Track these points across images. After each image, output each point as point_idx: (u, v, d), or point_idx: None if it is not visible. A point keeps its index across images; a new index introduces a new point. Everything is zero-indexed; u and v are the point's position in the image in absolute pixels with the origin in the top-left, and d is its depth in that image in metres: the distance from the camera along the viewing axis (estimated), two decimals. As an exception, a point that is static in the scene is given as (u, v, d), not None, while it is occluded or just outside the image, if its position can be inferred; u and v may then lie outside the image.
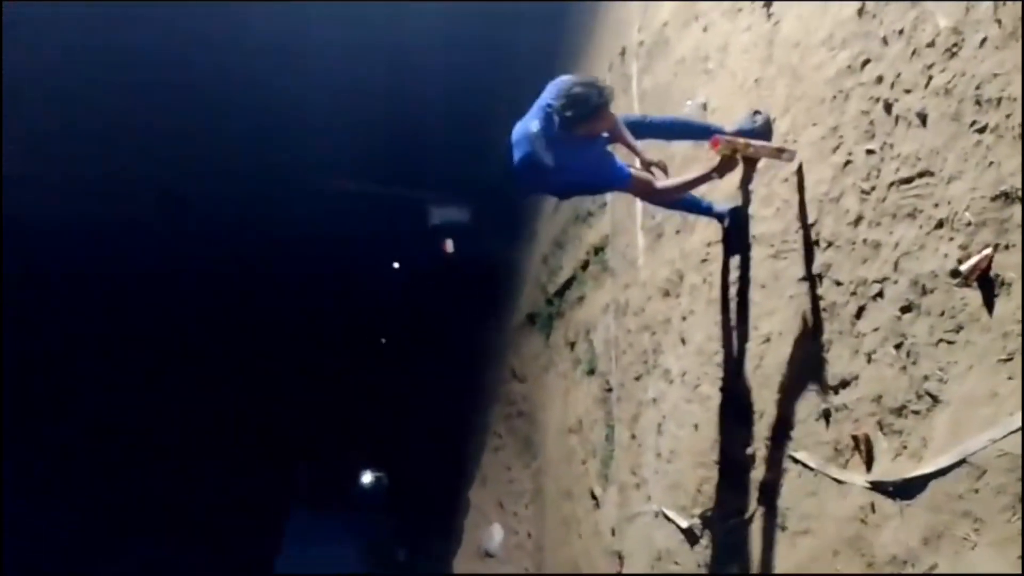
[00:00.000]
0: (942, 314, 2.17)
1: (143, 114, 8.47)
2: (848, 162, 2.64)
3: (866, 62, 2.58)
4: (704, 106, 3.93)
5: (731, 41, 3.66)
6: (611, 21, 5.83)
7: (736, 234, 3.43)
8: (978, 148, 2.05)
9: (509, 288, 9.00)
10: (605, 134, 3.14)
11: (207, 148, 9.07)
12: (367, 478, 14.16)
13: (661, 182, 3.12)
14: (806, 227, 2.87)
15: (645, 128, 3.54)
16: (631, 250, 4.91)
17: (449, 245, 10.79)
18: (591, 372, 5.71)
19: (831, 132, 2.75)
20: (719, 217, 3.52)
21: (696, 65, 4.08)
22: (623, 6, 5.53)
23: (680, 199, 3.43)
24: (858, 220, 2.58)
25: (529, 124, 3.11)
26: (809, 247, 2.85)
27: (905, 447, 2.28)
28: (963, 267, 2.04)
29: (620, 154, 3.30)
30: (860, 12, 2.60)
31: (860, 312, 2.55)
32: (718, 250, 3.69)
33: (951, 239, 2.15)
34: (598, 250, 5.69)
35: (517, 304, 8.55)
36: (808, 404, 2.80)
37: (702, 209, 3.56)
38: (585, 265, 6.05)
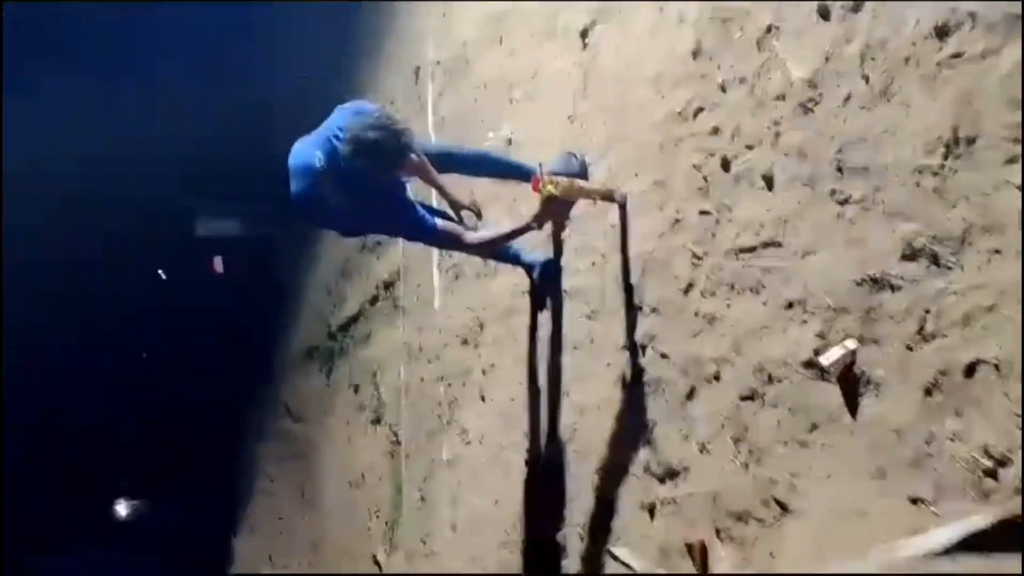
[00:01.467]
0: (791, 409, 1.88)
1: None
2: (677, 220, 2.33)
3: (699, 110, 2.28)
4: (509, 140, 3.54)
5: (541, 69, 3.30)
6: (403, 28, 5.34)
7: (546, 288, 3.05)
8: (839, 222, 1.78)
9: (285, 315, 8.18)
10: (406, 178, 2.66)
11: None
12: (123, 510, 12.50)
13: (472, 235, 2.66)
14: (628, 288, 2.53)
15: (451, 162, 3.08)
16: (425, 290, 4.43)
17: (217, 261, 9.80)
18: (377, 421, 5.14)
19: (658, 184, 2.44)
20: (527, 268, 3.13)
21: (501, 92, 3.68)
22: (416, 8, 5.05)
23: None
24: (689, 287, 2.27)
25: (313, 154, 2.56)
26: (631, 311, 2.52)
27: (746, 560, 1.97)
28: (823, 359, 1.76)
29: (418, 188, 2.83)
30: (695, 53, 2.30)
31: (692, 393, 2.23)
32: (525, 302, 3.30)
33: (804, 322, 1.87)
34: (388, 285, 5.15)
35: (295, 334, 7.75)
36: (631, 492, 2.45)
37: (508, 257, 3.15)
38: (374, 300, 5.48)
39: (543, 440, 2.97)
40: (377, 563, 4.86)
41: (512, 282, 3.39)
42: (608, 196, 2.65)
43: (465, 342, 3.80)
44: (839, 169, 1.78)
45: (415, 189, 2.92)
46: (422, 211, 2.63)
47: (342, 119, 2.52)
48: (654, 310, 2.39)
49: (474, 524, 3.59)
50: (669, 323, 2.33)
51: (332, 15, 6.72)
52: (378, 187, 2.51)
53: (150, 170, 8.73)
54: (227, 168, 8.27)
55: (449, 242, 2.67)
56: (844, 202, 1.76)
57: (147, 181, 8.94)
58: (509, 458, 3.31)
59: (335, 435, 6.09)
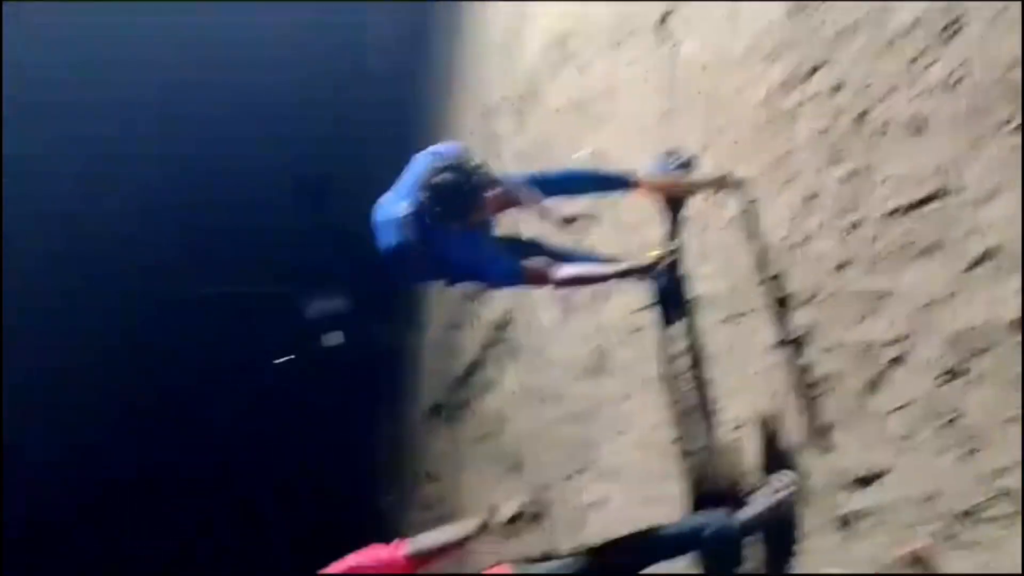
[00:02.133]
0: (1007, 381, 1.59)
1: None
2: (813, 195, 2.08)
3: (812, 70, 2.04)
4: (590, 158, 3.36)
5: (616, 79, 3.12)
6: (468, 79, 5.28)
7: (671, 298, 2.82)
8: (1018, 154, 1.51)
9: (404, 378, 8.16)
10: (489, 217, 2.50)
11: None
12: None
13: (563, 270, 2.46)
14: (768, 282, 2.28)
15: (538, 187, 2.92)
16: (537, 326, 4.25)
17: (332, 337, 9.91)
18: (515, 469, 4.95)
19: (777, 162, 2.20)
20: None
21: (577, 113, 3.52)
22: (478, 63, 4.99)
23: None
24: (842, 266, 2.00)
25: (396, 207, 2.46)
26: (776, 307, 2.26)
27: (990, 567, 1.66)
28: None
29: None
30: (791, 13, 2.07)
31: (873, 384, 1.95)
32: (646, 320, 3.07)
33: (997, 278, 1.59)
34: (501, 326, 5.00)
35: (416, 396, 7.71)
36: (818, 509, 2.16)
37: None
38: (488, 345, 5.35)
39: (699, 466, 2.71)
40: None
41: (629, 303, 3.18)
42: (720, 183, 2.43)
43: (590, 374, 3.59)
44: (1009, 93, 1.51)
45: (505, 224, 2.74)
46: (505, 256, 2.47)
47: (421, 165, 2.42)
48: (805, 300, 2.13)
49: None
50: (827, 311, 2.06)
51: (394, 75, 6.77)
52: (462, 234, 2.37)
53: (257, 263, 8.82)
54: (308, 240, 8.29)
55: (539, 279, 2.48)
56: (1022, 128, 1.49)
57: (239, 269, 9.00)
58: (663, 491, 3.06)
59: (473, 490, 5.93)
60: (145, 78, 6.82)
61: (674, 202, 2.74)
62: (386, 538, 2.17)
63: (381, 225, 2.56)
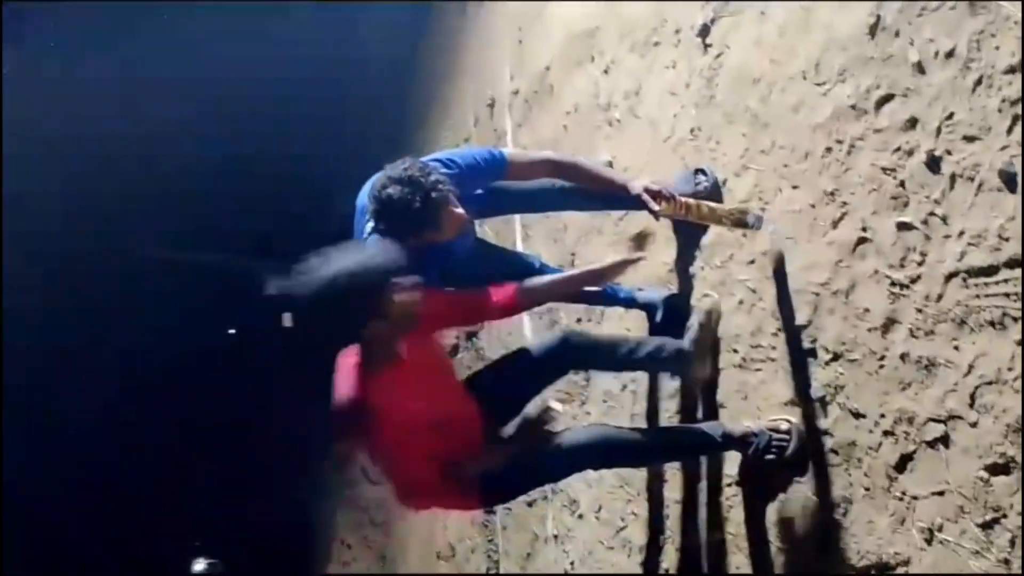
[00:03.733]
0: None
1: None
2: (863, 240, 1.84)
3: (885, 99, 1.81)
4: (609, 164, 3.11)
5: (646, 82, 2.87)
6: (473, 66, 5.01)
7: (672, 333, 2.56)
8: None
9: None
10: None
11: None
12: (199, 566, 12.13)
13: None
14: (796, 329, 2.03)
15: (537, 200, 2.64)
16: (515, 339, 3.98)
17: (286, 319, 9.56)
18: (464, 486, 4.67)
19: (826, 198, 1.96)
20: (646, 308, 2.65)
21: (595, 115, 3.27)
22: (488, 40, 4.71)
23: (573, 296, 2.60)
24: (889, 325, 1.76)
25: (363, 200, 2.21)
26: (802, 357, 2.01)
27: None
28: None
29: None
30: (874, 29, 1.83)
31: (904, 462, 1.71)
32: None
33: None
34: (471, 335, 4.73)
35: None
36: (820, 589, 1.92)
37: (618, 299, 2.67)
38: (453, 351, 5.06)
39: (684, 519, 2.46)
40: (472, 648, 4.35)
41: (624, 327, 2.92)
42: (739, 220, 2.17)
43: (567, 400, 3.33)
44: None
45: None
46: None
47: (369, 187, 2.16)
48: (837, 356, 1.89)
49: (593, 612, 3.07)
50: (862, 372, 1.82)
51: (397, 52, 6.49)
52: (416, 253, 2.08)
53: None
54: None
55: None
56: None
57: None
58: (632, 537, 2.81)
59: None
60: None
61: (691, 226, 2.50)
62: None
63: (357, 210, 2.31)
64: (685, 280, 2.54)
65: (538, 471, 2.05)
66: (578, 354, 2.23)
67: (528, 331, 3.85)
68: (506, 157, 2.32)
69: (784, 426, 2.02)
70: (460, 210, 2.10)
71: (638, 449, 2.10)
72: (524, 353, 2.22)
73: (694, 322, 2.29)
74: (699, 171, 2.43)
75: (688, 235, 2.55)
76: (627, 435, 2.10)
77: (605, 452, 2.07)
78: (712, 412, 2.36)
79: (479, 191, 2.36)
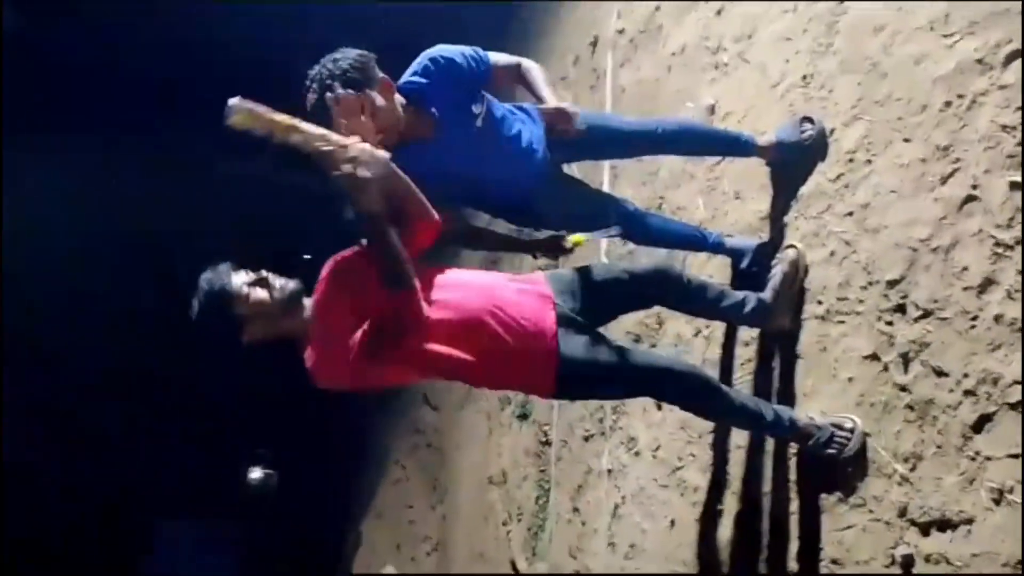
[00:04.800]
0: None
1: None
2: (972, 198, 1.80)
3: (1014, 55, 1.75)
4: (712, 109, 3.07)
5: (760, 26, 2.82)
6: (578, 15, 4.95)
7: (757, 282, 2.55)
8: None
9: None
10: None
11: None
12: (255, 474, 12.69)
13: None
14: (884, 283, 2.02)
15: (624, 141, 2.61)
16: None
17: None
18: (523, 417, 4.78)
19: (938, 152, 1.91)
20: (733, 255, 2.65)
21: (701, 57, 3.22)
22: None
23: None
24: (986, 285, 1.74)
25: None
26: (889, 312, 2.00)
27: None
28: None
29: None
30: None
31: (982, 423, 1.70)
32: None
33: None
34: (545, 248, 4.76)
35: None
36: (875, 538, 1.94)
37: (707, 245, 2.67)
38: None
39: (747, 468, 2.49)
40: (515, 570, 4.50)
41: (706, 274, 2.93)
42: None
43: (638, 338, 3.36)
44: None
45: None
46: None
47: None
48: (927, 313, 1.87)
49: (639, 546, 3.14)
50: (951, 331, 1.80)
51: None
52: None
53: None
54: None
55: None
56: None
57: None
58: (689, 479, 2.85)
59: (473, 429, 5.79)
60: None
61: (791, 174, 2.48)
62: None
63: None
64: (777, 229, 2.52)
65: (616, 372, 2.05)
66: (668, 290, 2.25)
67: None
68: (489, 61, 2.32)
69: (848, 424, 2.04)
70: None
71: (709, 402, 2.13)
72: (615, 273, 2.24)
73: (776, 273, 2.29)
74: (805, 119, 2.40)
75: (783, 183, 2.52)
76: (706, 384, 2.12)
77: (682, 390, 2.11)
78: (789, 365, 2.37)
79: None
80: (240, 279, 2.02)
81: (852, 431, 2.01)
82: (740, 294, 2.30)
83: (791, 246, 2.37)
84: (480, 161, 2.28)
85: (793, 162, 2.43)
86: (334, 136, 1.85)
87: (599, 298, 2.18)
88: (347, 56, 2.10)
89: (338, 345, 1.97)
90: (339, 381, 2.07)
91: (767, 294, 2.28)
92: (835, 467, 2.05)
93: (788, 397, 2.32)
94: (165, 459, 11.48)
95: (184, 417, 11.37)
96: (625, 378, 2.07)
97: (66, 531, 10.67)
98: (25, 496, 10.16)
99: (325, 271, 2.09)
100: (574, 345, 2.04)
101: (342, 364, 1.98)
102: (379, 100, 2.08)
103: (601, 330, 2.15)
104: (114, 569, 10.94)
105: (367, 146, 1.84)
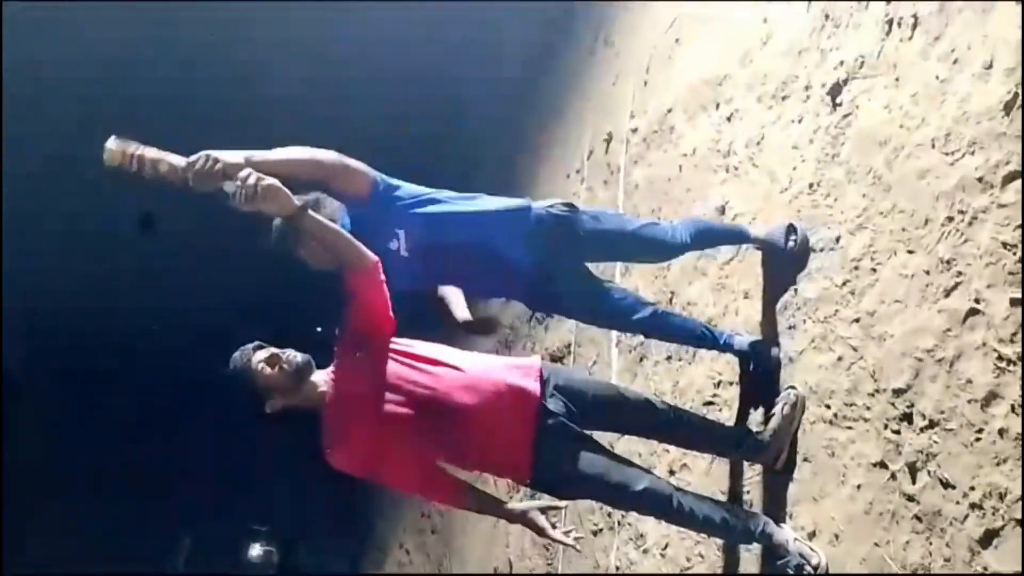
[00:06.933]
0: None
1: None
2: (975, 312, 1.84)
3: (1013, 176, 1.81)
4: (722, 210, 3.16)
5: (770, 134, 2.92)
6: (594, 102, 5.14)
7: (762, 380, 2.59)
8: None
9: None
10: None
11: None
12: (255, 551, 12.48)
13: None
14: (894, 393, 2.04)
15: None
16: (602, 368, 4.05)
17: None
18: (531, 506, 4.72)
19: (941, 265, 1.96)
20: (740, 356, 2.68)
21: (712, 160, 3.33)
22: (613, 85, 4.83)
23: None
24: (990, 399, 1.76)
25: None
26: (896, 420, 2.02)
27: None
28: None
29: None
30: (1008, 107, 1.84)
31: (990, 537, 1.70)
32: (728, 396, 2.85)
33: None
34: (556, 358, 4.81)
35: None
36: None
37: (717, 344, 2.70)
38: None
39: (752, 567, 2.46)
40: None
41: (716, 370, 2.96)
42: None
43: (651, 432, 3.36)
44: None
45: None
46: None
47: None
48: (934, 423, 1.89)
49: (645, 648, 3.08)
50: (957, 442, 1.82)
51: (520, 77, 6.66)
52: None
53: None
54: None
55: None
56: None
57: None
58: (698, 577, 2.81)
59: (481, 516, 5.70)
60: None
61: (781, 277, 2.58)
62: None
63: None
64: (769, 327, 2.58)
65: (590, 478, 2.17)
66: (658, 418, 2.36)
67: (615, 362, 3.91)
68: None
69: (815, 560, 2.11)
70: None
71: (676, 517, 2.22)
72: (609, 389, 2.41)
73: (777, 413, 2.37)
74: (791, 227, 2.52)
75: (774, 283, 2.63)
76: (673, 503, 2.18)
77: (650, 507, 2.23)
78: (789, 472, 2.39)
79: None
80: (258, 356, 2.15)
81: (817, 567, 2.09)
82: (735, 430, 2.46)
83: (791, 387, 2.43)
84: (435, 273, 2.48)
85: (776, 264, 2.59)
86: (199, 160, 1.96)
87: (587, 405, 2.28)
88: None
89: (352, 422, 2.11)
90: (350, 462, 2.22)
91: (765, 434, 2.37)
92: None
93: (779, 507, 2.34)
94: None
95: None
96: (597, 486, 2.17)
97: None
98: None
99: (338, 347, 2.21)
100: (552, 440, 2.15)
101: (356, 443, 2.12)
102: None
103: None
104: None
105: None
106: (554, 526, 2.24)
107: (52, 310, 9.22)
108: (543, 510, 2.27)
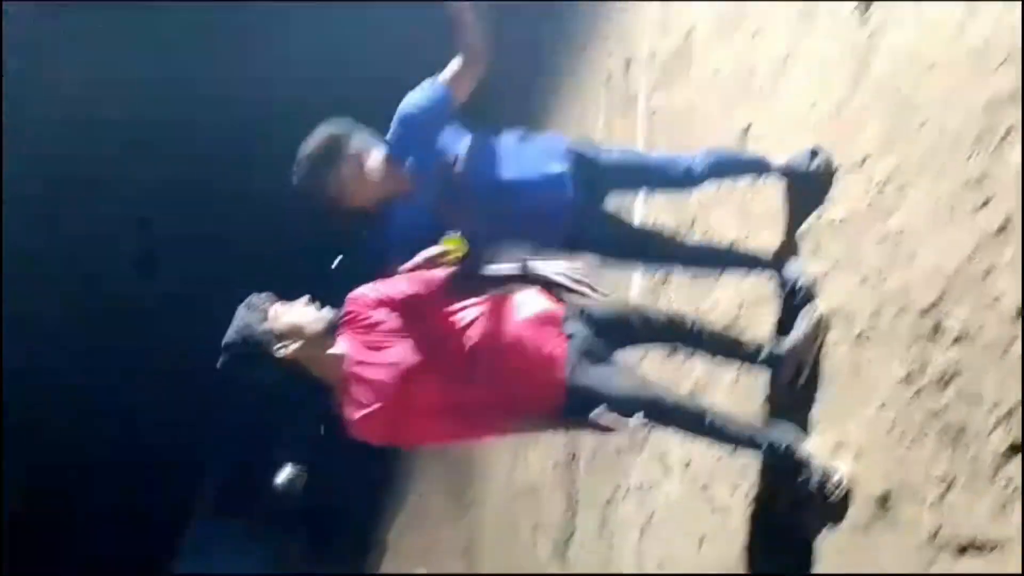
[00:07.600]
0: None
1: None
2: (1003, 228, 1.84)
3: (1049, 90, 1.79)
4: (745, 131, 3.13)
5: (796, 53, 2.87)
6: (614, 25, 5.03)
7: (792, 303, 2.60)
8: None
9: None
10: None
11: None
12: (285, 473, 12.83)
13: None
14: (921, 310, 2.06)
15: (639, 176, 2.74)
16: (622, 284, 4.08)
17: None
18: (553, 430, 4.83)
19: (973, 184, 1.96)
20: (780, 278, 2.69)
21: (737, 81, 3.28)
22: (630, 8, 4.73)
23: None
24: (1019, 314, 1.78)
25: None
26: (926, 339, 2.04)
27: None
28: None
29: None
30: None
31: (1017, 450, 1.74)
32: (757, 313, 2.88)
33: None
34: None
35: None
36: (908, 560, 1.98)
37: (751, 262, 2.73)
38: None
39: (777, 483, 2.53)
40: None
41: (741, 291, 2.98)
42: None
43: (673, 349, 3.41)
44: None
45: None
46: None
47: None
48: (960, 338, 1.91)
49: (669, 562, 3.19)
50: (984, 357, 1.84)
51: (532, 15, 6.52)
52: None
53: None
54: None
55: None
56: None
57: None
58: (719, 497, 2.90)
59: (503, 440, 5.85)
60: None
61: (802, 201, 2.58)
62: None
63: None
64: (791, 252, 2.60)
65: (617, 406, 2.20)
66: (678, 334, 2.43)
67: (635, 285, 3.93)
68: (443, 86, 2.37)
69: (836, 476, 2.17)
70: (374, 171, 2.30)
71: (700, 428, 2.26)
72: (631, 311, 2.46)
73: (800, 329, 2.39)
74: (814, 152, 2.51)
75: (797, 209, 2.62)
76: (706, 413, 2.25)
77: (682, 421, 2.28)
78: (815, 389, 2.43)
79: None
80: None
81: (839, 484, 2.16)
82: (756, 342, 2.48)
83: (812, 301, 2.45)
84: (471, 200, 2.42)
85: (800, 190, 2.57)
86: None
87: (611, 324, 2.35)
88: (315, 140, 2.33)
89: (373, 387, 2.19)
90: (381, 429, 2.29)
91: (784, 346, 2.41)
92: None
93: (802, 426, 2.39)
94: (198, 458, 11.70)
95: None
96: (630, 406, 2.20)
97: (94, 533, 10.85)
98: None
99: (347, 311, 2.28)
100: (582, 363, 2.22)
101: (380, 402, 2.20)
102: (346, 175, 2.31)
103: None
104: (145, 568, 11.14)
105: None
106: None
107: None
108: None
